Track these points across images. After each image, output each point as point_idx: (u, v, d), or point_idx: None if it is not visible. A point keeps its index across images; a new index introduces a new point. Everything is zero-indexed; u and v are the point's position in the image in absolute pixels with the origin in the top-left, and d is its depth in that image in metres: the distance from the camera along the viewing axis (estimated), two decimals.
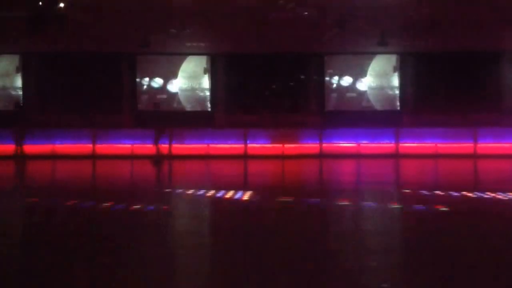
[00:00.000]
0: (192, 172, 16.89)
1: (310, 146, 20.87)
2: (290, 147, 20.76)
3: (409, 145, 20.68)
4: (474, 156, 19.74)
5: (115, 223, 8.67)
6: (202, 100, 22.27)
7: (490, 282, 5.48)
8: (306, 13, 14.75)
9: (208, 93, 22.23)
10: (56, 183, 14.88)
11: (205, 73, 22.14)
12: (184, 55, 21.95)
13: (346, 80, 22.15)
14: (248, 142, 20.86)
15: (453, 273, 5.76)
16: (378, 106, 22.12)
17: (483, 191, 11.18)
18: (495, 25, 16.62)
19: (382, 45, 17.64)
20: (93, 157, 20.46)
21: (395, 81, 22.04)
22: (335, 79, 22.16)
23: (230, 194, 11.16)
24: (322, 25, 16.17)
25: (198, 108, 22.27)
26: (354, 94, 22.16)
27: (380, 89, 22.08)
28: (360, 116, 21.74)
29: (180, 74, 22.14)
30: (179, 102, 22.19)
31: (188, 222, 9.00)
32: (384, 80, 22.05)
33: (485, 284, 5.42)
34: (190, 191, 11.63)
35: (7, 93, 22.02)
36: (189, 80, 22.15)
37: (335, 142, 20.89)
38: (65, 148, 20.88)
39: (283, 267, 5.98)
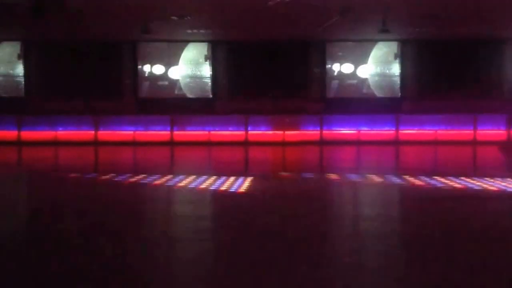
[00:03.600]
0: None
1: (310, 132, 20.97)
2: (291, 134, 20.87)
3: (409, 132, 20.77)
4: (474, 143, 19.82)
5: None
6: (203, 87, 22.35)
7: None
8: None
9: (209, 80, 22.32)
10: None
11: (206, 60, 22.22)
12: (185, 42, 22.02)
13: (347, 67, 22.19)
14: (249, 129, 20.97)
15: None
16: (378, 93, 22.17)
17: (481, 177, 11.29)
18: (497, 12, 16.57)
19: (384, 32, 17.60)
20: (95, 143, 20.61)
21: (396, 68, 22.09)
22: (336, 66, 22.19)
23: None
24: (323, 12, 16.13)
25: (199, 95, 22.35)
26: (355, 81, 22.21)
27: (381, 76, 22.13)
28: (360, 103, 21.80)
29: (181, 61, 22.22)
30: (180, 89, 22.30)
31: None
32: (385, 67, 22.09)
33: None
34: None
35: (9, 80, 22.16)
36: (190, 67, 22.23)
37: (335, 128, 20.99)
38: (67, 135, 21.04)
39: None
